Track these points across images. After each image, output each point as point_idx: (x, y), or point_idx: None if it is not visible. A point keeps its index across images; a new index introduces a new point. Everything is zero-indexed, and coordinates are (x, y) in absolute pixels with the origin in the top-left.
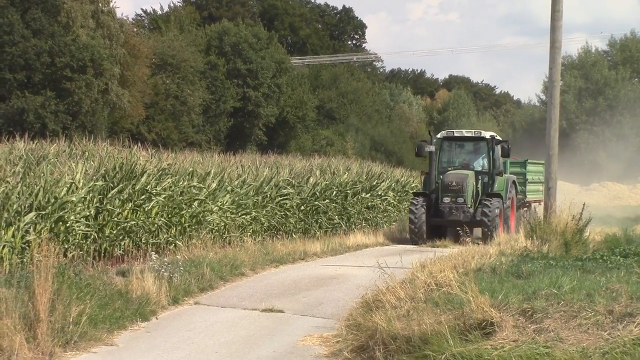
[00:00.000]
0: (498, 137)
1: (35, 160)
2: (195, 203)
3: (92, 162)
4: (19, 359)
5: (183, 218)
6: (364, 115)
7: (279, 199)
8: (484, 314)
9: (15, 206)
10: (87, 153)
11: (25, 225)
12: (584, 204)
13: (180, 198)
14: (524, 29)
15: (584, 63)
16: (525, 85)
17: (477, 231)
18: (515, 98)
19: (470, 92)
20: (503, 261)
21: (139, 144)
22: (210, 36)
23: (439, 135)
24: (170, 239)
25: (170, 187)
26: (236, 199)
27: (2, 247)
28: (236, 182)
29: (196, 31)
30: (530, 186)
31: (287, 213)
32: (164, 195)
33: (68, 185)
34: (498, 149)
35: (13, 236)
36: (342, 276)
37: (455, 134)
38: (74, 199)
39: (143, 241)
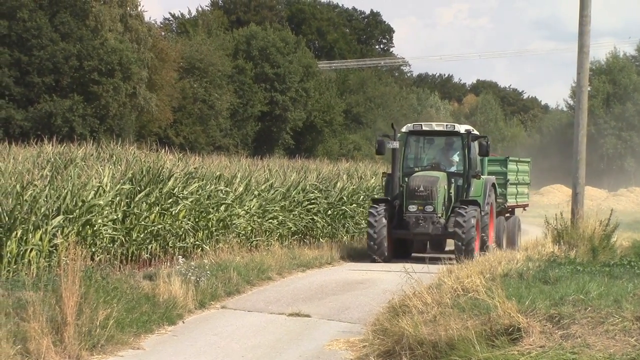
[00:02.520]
0: (475, 132)
1: (63, 163)
2: (222, 207)
3: (119, 166)
4: None
5: (210, 222)
6: (391, 119)
7: (306, 203)
8: (511, 320)
9: (43, 209)
10: (114, 157)
11: (52, 228)
12: (611, 210)
13: (207, 202)
14: (553, 33)
15: (612, 68)
16: (553, 90)
17: (451, 242)
18: (543, 103)
19: (498, 96)
20: (530, 266)
21: (167, 148)
22: (238, 40)
23: (403, 129)
24: (197, 242)
25: (197, 190)
26: (263, 203)
27: (29, 250)
28: (263, 187)
29: (224, 35)
30: (512, 188)
31: (314, 217)
32: (190, 199)
33: (95, 189)
34: (475, 146)
35: (41, 239)
36: (369, 281)
37: (424, 128)
38: (101, 202)
39: (170, 245)
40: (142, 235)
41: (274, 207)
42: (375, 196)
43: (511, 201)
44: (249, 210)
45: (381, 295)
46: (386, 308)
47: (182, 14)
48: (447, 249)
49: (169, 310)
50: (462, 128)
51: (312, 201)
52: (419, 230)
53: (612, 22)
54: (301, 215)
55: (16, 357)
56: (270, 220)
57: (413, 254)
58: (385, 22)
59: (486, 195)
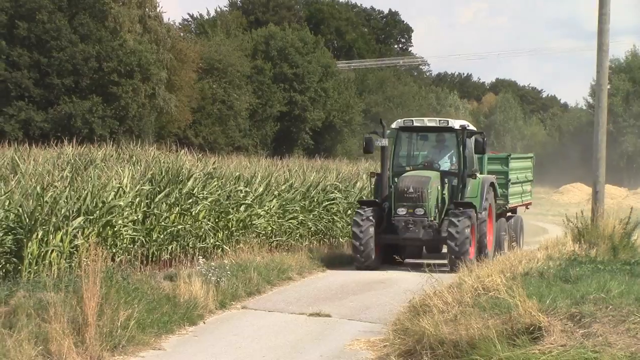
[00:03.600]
0: (471, 127)
1: (83, 164)
2: (242, 207)
3: (139, 167)
4: None
5: (230, 222)
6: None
7: (326, 203)
8: (532, 319)
9: (63, 211)
10: (134, 157)
11: (73, 229)
12: (631, 208)
13: (227, 202)
14: (572, 32)
15: (632, 66)
16: (572, 88)
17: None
18: (562, 101)
19: (517, 95)
20: (551, 265)
21: (186, 149)
22: (257, 41)
23: (393, 125)
24: (217, 243)
25: (217, 191)
26: (283, 203)
27: (50, 251)
28: (283, 187)
29: (242, 36)
30: (514, 188)
31: (334, 217)
32: (210, 199)
33: (115, 190)
34: (471, 142)
35: (61, 241)
36: (389, 280)
37: (415, 124)
38: (121, 203)
39: (190, 245)
40: (162, 236)
41: (294, 207)
42: (364, 198)
43: (513, 201)
44: (268, 211)
45: (402, 294)
46: (407, 307)
47: (200, 15)
48: (445, 251)
49: (189, 310)
50: (456, 123)
51: (332, 201)
52: (408, 235)
53: (632, 20)
54: (321, 215)
55: (38, 358)
56: (290, 221)
57: (407, 260)
58: (403, 21)
59: (483, 196)
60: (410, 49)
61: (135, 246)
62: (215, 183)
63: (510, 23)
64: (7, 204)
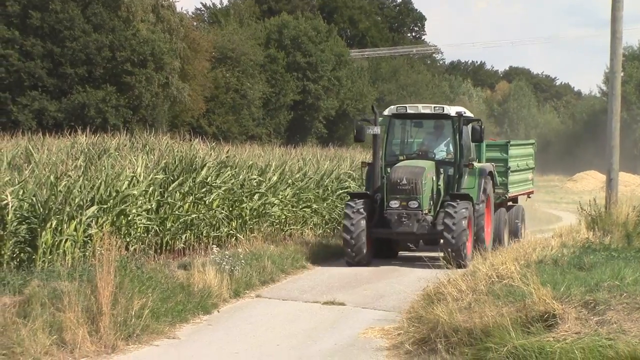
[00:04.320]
0: (468, 114)
1: (96, 154)
2: (256, 196)
3: (152, 156)
4: (82, 352)
5: (244, 211)
6: None
7: (340, 191)
8: (546, 306)
9: (77, 200)
10: (147, 146)
11: (87, 219)
12: None
13: (241, 191)
14: (586, 20)
15: None
16: (586, 76)
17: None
18: (576, 89)
19: (531, 83)
20: (565, 253)
21: (200, 138)
22: (270, 29)
23: (386, 112)
24: (231, 232)
25: (230, 179)
26: (297, 191)
27: (64, 240)
28: (297, 175)
29: (255, 25)
30: (514, 176)
31: None
32: (224, 188)
33: (129, 179)
34: (468, 130)
35: (75, 230)
36: (403, 268)
37: (409, 110)
38: (135, 192)
39: (204, 234)
40: (176, 225)
41: (308, 195)
42: (354, 190)
43: (513, 190)
44: (282, 199)
45: (415, 282)
46: (421, 296)
47: (213, 4)
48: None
49: (203, 299)
50: (452, 110)
51: (346, 189)
52: (402, 230)
53: None
54: (335, 204)
55: (52, 347)
56: (304, 209)
57: (401, 253)
58: (416, 10)
59: (481, 186)
60: (423, 37)
61: (149, 235)
62: (229, 172)
63: (524, 11)
64: (21, 193)
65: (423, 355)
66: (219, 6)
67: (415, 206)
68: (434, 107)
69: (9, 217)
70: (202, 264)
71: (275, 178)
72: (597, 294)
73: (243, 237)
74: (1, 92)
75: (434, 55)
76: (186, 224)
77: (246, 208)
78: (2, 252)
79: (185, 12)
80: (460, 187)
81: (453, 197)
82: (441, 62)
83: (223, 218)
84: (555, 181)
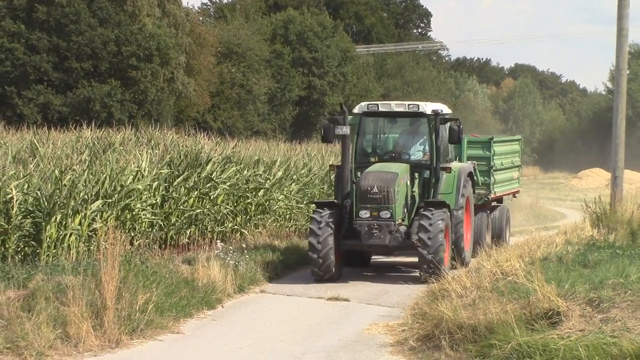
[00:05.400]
0: (447, 111)
1: (101, 148)
2: (261, 192)
3: (157, 151)
4: (86, 346)
5: (248, 207)
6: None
7: None
8: (550, 304)
9: (82, 194)
10: (152, 141)
11: (91, 213)
12: None
13: (246, 186)
14: (592, 17)
15: None
16: (591, 73)
17: None
18: (581, 86)
19: (536, 80)
20: (569, 250)
21: (205, 133)
22: (276, 25)
23: (356, 110)
24: (235, 227)
25: (235, 175)
26: (302, 187)
27: (69, 235)
28: (302, 171)
29: (261, 20)
30: (498, 175)
31: None
32: (228, 184)
33: (134, 173)
34: (444, 130)
35: (80, 224)
36: (408, 264)
37: (381, 108)
38: (139, 187)
39: (208, 229)
40: (180, 220)
41: (313, 191)
42: (321, 199)
43: (497, 191)
44: (287, 195)
45: (420, 279)
46: (425, 292)
47: None
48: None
49: (208, 294)
50: (428, 108)
51: None
52: (372, 242)
53: None
54: None
55: (56, 342)
56: (309, 204)
57: (374, 259)
58: (422, 6)
59: (459, 190)
60: (429, 33)
61: (154, 230)
62: (234, 168)
63: (532, 8)
64: (26, 187)
65: (427, 351)
66: (225, 1)
67: (388, 216)
68: (408, 104)
69: (14, 211)
70: (206, 259)
71: (280, 174)
72: (602, 292)
73: (248, 232)
74: (7, 86)
75: (439, 51)
76: (191, 219)
77: (251, 203)
78: (7, 245)
79: (191, 7)
80: (437, 192)
81: (428, 205)
82: (447, 58)
83: (228, 213)
84: (560, 178)
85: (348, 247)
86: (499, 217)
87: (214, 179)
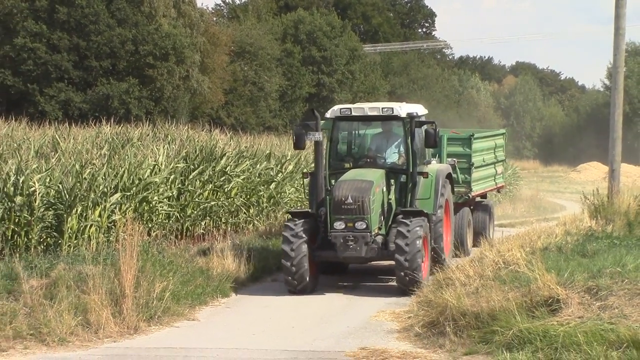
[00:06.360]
0: (422, 112)
1: (120, 143)
2: (273, 185)
3: (173, 145)
4: (106, 333)
5: (261, 199)
6: (433, 100)
7: None
8: (550, 292)
9: (101, 187)
10: (169, 136)
11: (111, 205)
12: None
13: (258, 179)
14: (591, 17)
15: None
16: (590, 71)
17: None
18: (580, 83)
19: (537, 77)
20: (569, 240)
21: (219, 128)
22: (287, 25)
23: (328, 115)
24: (248, 218)
25: (248, 169)
26: None
27: (89, 226)
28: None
29: (273, 20)
30: (479, 172)
31: None
32: (242, 177)
33: (151, 167)
34: (420, 133)
35: (100, 216)
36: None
37: (354, 113)
38: (157, 180)
39: (223, 221)
40: (196, 212)
41: None
42: (295, 209)
43: (477, 189)
44: (298, 188)
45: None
46: (430, 281)
47: (233, 0)
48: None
49: (222, 283)
50: (403, 111)
51: None
52: (348, 254)
53: None
54: None
55: (77, 328)
56: None
57: (352, 266)
58: (427, 6)
59: (438, 194)
60: (433, 33)
61: (170, 221)
62: (247, 162)
63: (532, 8)
64: (48, 180)
65: (432, 337)
66: (238, 2)
67: (363, 227)
68: (382, 107)
69: (37, 204)
70: (220, 249)
71: (291, 167)
72: (600, 280)
73: (260, 223)
74: (29, 84)
75: (443, 50)
76: (205, 211)
77: (263, 196)
78: (30, 236)
79: (205, 7)
80: (414, 197)
81: (405, 214)
82: (450, 56)
83: (241, 205)
84: (559, 172)
85: (323, 259)
86: (481, 215)
87: (228, 172)
